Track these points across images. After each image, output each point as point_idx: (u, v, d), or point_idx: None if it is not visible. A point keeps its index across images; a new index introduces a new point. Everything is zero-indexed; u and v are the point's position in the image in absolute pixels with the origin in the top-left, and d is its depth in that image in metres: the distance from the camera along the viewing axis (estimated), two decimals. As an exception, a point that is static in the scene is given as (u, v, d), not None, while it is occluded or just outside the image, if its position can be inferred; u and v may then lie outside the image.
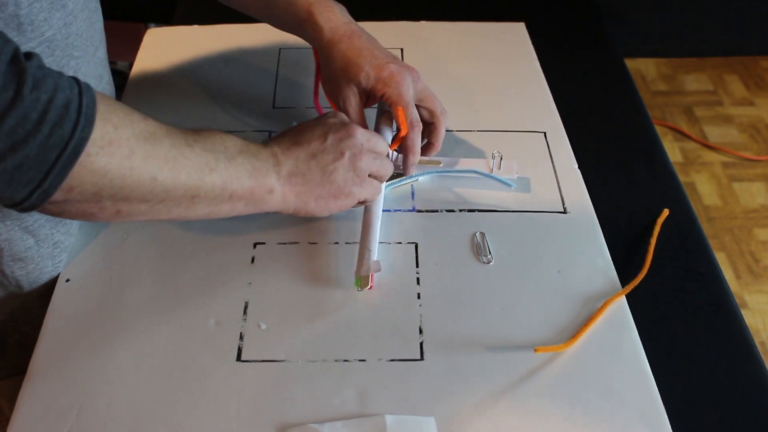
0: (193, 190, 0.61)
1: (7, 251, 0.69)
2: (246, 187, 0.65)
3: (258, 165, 0.66)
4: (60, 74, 0.53)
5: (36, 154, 0.51)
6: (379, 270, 0.70)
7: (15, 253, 0.69)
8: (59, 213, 0.58)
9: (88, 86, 0.54)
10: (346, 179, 0.70)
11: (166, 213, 0.61)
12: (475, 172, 0.83)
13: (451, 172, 0.84)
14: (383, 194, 0.78)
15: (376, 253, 0.72)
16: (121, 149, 0.55)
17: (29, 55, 0.52)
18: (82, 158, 0.53)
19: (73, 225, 0.76)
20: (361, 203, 0.74)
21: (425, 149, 0.83)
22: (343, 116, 0.75)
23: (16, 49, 0.51)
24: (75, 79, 0.54)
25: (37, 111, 0.50)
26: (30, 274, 0.72)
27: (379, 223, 0.75)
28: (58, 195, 0.54)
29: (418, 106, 0.80)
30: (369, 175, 0.73)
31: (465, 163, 0.85)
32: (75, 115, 0.52)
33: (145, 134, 0.57)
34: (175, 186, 0.60)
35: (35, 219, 0.69)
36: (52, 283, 0.74)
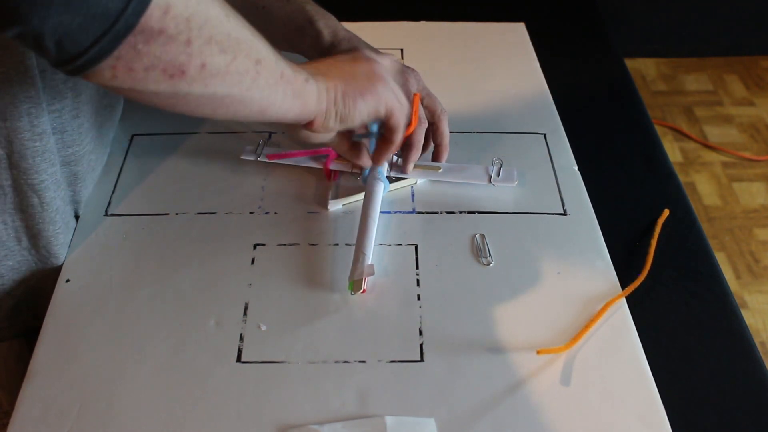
0: (257, 51, 0.58)
1: (10, 198, 0.69)
2: (289, 69, 0.62)
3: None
4: None
5: None
6: (372, 274, 0.70)
7: (18, 202, 0.70)
8: (147, 66, 0.51)
9: None
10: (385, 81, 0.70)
11: (237, 81, 0.57)
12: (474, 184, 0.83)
13: (449, 181, 0.83)
14: (381, 198, 0.78)
15: (371, 256, 0.72)
16: None
17: None
18: None
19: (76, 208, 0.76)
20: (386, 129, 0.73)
21: (436, 153, 0.83)
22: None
23: None
24: None
25: None
26: (30, 229, 0.71)
27: (376, 226, 0.75)
28: (154, 12, 0.49)
29: None
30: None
31: (464, 171, 0.84)
32: None
33: None
34: (242, 38, 0.57)
35: (42, 179, 0.69)
36: (49, 253, 0.74)
